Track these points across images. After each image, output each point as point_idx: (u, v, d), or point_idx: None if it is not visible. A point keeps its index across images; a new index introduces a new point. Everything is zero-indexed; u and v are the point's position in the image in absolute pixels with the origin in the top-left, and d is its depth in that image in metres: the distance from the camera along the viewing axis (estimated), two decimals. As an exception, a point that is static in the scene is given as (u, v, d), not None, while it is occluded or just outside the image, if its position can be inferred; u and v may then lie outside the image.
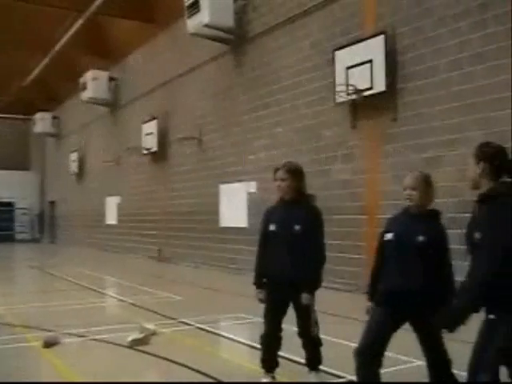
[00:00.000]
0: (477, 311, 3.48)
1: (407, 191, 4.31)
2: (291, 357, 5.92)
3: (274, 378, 5.24)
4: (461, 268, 3.70)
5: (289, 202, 5.09)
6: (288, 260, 4.98)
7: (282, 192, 5.08)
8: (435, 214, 4.38)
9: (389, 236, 4.33)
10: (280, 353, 5.32)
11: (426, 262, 4.16)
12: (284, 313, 5.17)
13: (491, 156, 3.63)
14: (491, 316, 3.48)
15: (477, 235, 3.49)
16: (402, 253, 4.21)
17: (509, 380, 3.62)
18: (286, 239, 5.01)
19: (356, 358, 4.17)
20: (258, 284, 5.23)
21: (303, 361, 5.39)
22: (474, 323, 3.57)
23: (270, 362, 5.25)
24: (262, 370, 5.27)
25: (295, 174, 5.10)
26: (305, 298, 4.96)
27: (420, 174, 4.37)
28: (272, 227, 5.10)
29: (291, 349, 5.62)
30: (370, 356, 4.15)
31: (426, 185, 4.30)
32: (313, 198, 5.19)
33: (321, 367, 5.33)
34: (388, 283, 4.28)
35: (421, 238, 4.16)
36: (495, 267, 3.35)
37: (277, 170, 5.16)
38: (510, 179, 3.62)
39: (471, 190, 3.76)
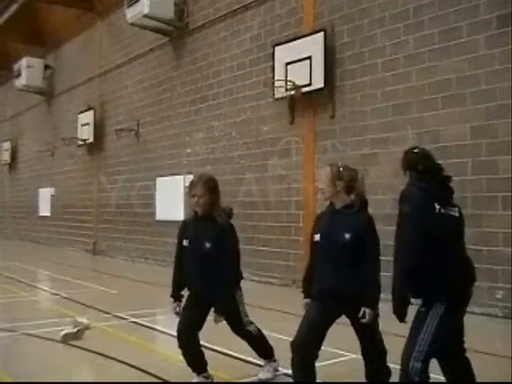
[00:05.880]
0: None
1: (319, 186, 4.45)
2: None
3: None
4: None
5: (202, 217, 4.93)
6: (200, 277, 4.88)
7: (199, 208, 4.91)
8: (361, 205, 4.36)
9: (317, 237, 4.38)
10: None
11: (356, 257, 4.18)
12: (201, 326, 4.96)
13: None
14: (422, 309, 3.62)
15: None
16: (331, 253, 4.25)
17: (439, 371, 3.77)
18: (197, 256, 4.88)
19: (293, 350, 4.21)
20: (175, 297, 5.09)
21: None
22: (410, 316, 3.70)
23: None
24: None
25: (212, 188, 4.93)
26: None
27: (328, 169, 4.45)
28: (185, 243, 4.98)
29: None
30: (306, 348, 4.19)
31: (332, 179, 4.36)
32: (228, 212, 5.04)
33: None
34: (321, 283, 4.33)
35: (347, 236, 4.18)
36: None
37: (192, 184, 4.94)
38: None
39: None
